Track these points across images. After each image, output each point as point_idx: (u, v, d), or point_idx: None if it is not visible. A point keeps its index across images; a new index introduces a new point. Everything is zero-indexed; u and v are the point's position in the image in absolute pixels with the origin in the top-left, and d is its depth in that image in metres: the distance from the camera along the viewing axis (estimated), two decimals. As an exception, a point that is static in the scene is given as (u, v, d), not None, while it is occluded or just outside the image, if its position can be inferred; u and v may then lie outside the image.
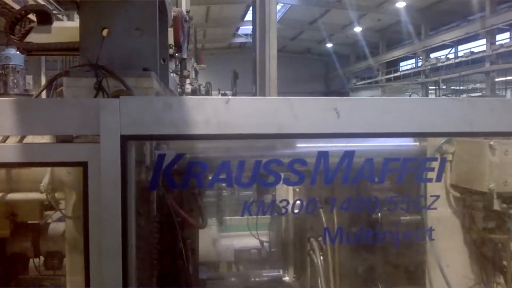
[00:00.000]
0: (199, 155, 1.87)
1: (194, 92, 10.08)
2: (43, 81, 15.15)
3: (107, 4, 2.59)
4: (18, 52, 8.13)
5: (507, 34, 25.27)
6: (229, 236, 3.52)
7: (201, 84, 11.95)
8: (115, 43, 2.50)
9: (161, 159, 1.67)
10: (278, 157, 1.79)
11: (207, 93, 13.30)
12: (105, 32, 2.48)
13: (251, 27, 38.57)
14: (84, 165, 1.58)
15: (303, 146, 2.08)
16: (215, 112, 1.59)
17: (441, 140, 2.33)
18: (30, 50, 3.77)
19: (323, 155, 1.75)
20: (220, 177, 1.71)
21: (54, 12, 15.49)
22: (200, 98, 1.62)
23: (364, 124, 1.72)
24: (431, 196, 2.16)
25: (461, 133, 1.88)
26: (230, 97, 1.62)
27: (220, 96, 17.13)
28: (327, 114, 1.67)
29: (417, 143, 2.34)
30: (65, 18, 16.53)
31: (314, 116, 1.67)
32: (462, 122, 1.82)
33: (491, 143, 2.24)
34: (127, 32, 2.55)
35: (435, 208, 2.15)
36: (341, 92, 40.93)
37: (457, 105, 1.89)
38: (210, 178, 1.76)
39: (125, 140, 1.54)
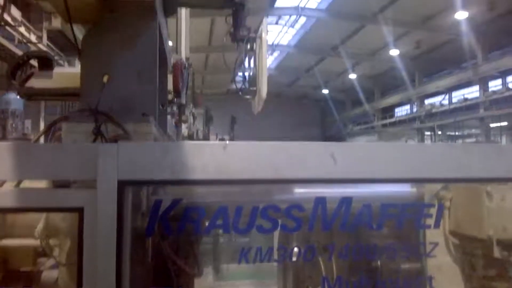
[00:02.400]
0: (195, 201, 1.86)
1: (191, 137, 10.13)
2: (42, 125, 15.27)
3: (109, 51, 2.65)
4: (18, 97, 8.23)
5: (499, 81, 25.81)
6: (226, 285, 3.43)
7: (199, 129, 12.04)
8: (115, 88, 2.54)
9: (158, 204, 1.66)
10: (275, 203, 1.78)
11: (205, 137, 13.38)
12: (105, 78, 2.52)
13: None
14: (80, 210, 1.57)
15: (300, 191, 2.07)
16: (213, 157, 1.60)
17: (439, 186, 2.32)
18: (30, 95, 3.82)
19: (320, 201, 1.74)
20: (217, 223, 1.69)
21: (56, 57, 15.84)
22: (198, 143, 1.64)
23: (361, 169, 1.73)
24: (430, 243, 2.13)
25: (457, 179, 1.88)
26: (228, 142, 1.63)
27: (218, 141, 17.23)
28: (324, 159, 1.68)
29: (414, 189, 2.33)
30: (66, 63, 16.89)
31: (311, 161, 1.68)
32: (458, 168, 1.83)
33: (488, 189, 2.21)
34: (128, 78, 2.60)
35: (434, 256, 2.11)
36: (338, 137, 41.25)
37: (453, 151, 1.91)
38: (206, 224, 1.74)
39: (122, 185, 1.54)
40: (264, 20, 3.87)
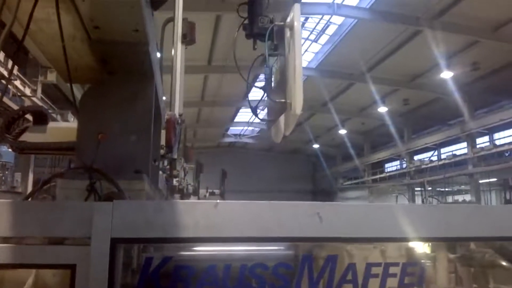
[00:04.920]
0: (186, 258, 1.89)
1: (181, 191, 10.12)
2: (31, 178, 15.18)
3: (106, 110, 2.76)
4: (10, 150, 8.27)
5: (487, 138, 26.34)
6: None
7: (189, 183, 12.05)
8: (111, 146, 2.62)
9: (149, 262, 1.70)
10: (262, 262, 1.82)
11: (195, 191, 13.35)
12: (101, 136, 2.61)
13: (240, 128, 39.35)
14: (72, 267, 1.60)
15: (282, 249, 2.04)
16: (205, 216, 1.66)
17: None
18: (23, 149, 3.87)
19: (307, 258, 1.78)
20: (206, 281, 1.73)
21: (49, 110, 16.02)
22: (190, 203, 1.70)
23: (346, 228, 1.80)
24: None
25: (439, 238, 1.95)
26: (218, 201, 1.70)
27: (207, 194, 17.16)
28: (310, 219, 1.75)
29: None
30: (59, 116, 17.06)
31: (298, 221, 1.75)
32: (440, 227, 1.90)
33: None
34: (124, 137, 2.69)
35: None
36: (329, 192, 41.23)
37: (436, 211, 2.00)
38: (196, 282, 1.77)
39: (115, 243, 1.59)
40: (295, 6, 2.66)
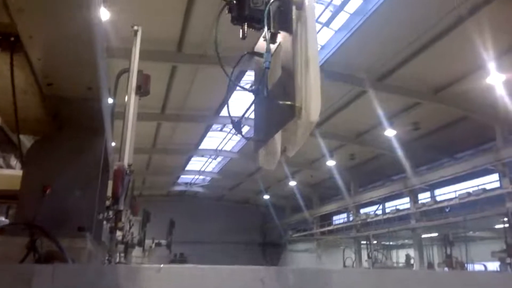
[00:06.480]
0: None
1: (125, 244, 9.76)
2: (-37, 223, 14.14)
3: (53, 164, 2.73)
4: None
5: (428, 194, 27.47)
6: None
7: (135, 236, 11.67)
8: (55, 201, 2.59)
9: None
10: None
11: (140, 242, 12.92)
12: (46, 190, 2.57)
13: (191, 176, 38.79)
14: (5, 334, 1.54)
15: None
16: (147, 281, 1.67)
17: None
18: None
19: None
20: None
21: (-10, 153, 15.25)
22: (133, 267, 1.70)
23: (287, 293, 1.85)
24: None
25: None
26: (162, 265, 1.71)
27: (153, 245, 16.61)
28: (253, 284, 1.79)
29: None
30: (0, 160, 16.25)
31: (242, 286, 1.79)
32: (376, 291, 2.00)
33: None
34: (69, 192, 2.66)
35: None
36: (278, 243, 41.07)
37: (373, 276, 2.11)
38: None
39: (53, 308, 1.55)
40: None
